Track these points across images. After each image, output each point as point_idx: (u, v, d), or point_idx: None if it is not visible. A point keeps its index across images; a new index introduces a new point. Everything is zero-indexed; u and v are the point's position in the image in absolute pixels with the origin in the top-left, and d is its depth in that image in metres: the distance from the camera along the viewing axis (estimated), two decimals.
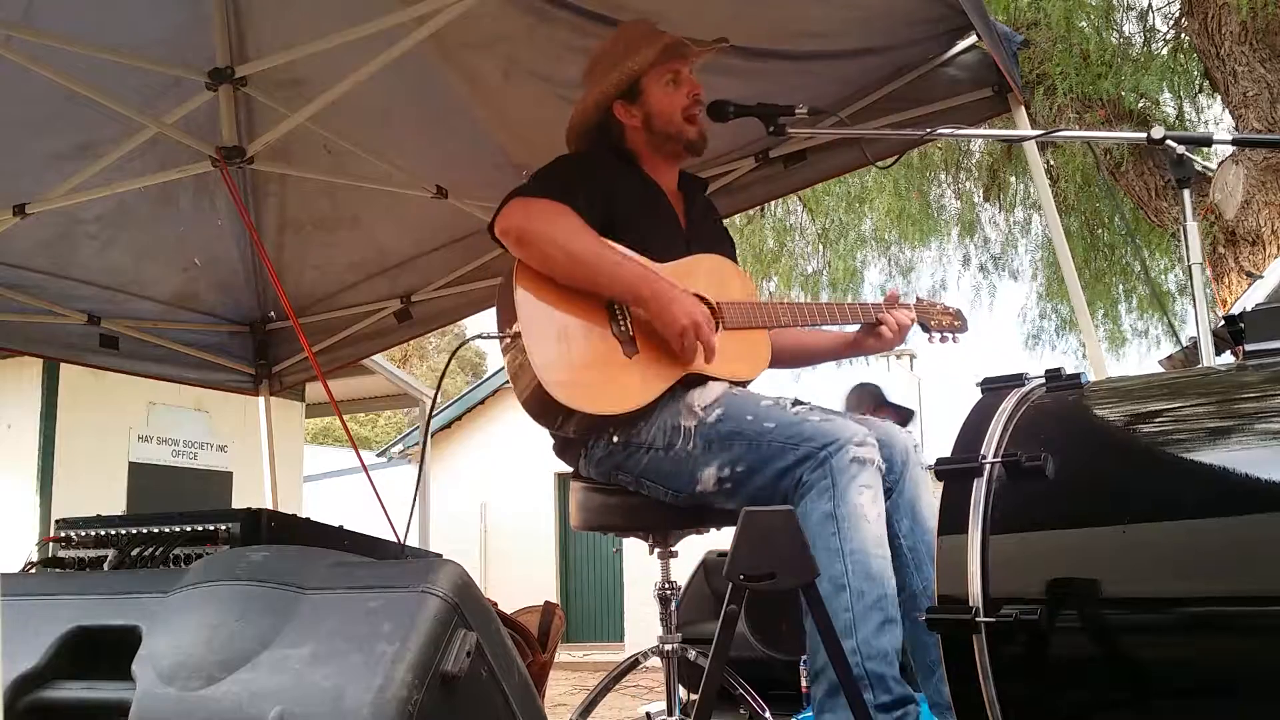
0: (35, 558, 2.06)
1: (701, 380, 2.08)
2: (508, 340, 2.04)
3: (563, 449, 2.20)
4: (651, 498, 2.10)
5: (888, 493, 2.01)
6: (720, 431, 1.99)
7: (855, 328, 2.37)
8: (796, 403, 2.02)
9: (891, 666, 1.76)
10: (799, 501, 1.88)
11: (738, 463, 1.96)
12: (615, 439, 2.08)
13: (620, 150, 2.30)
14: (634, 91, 2.25)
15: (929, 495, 2.04)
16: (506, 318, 2.06)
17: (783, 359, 2.44)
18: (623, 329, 2.06)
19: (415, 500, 2.25)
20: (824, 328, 2.41)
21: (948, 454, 1.30)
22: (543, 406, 2.00)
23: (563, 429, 2.10)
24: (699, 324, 2.03)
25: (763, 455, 1.94)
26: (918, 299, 2.43)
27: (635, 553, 9.67)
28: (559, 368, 1.98)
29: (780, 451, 1.92)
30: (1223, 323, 1.90)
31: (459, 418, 14.46)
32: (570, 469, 2.24)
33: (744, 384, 2.19)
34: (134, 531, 1.97)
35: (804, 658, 2.81)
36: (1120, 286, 8.72)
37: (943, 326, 2.43)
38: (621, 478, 2.12)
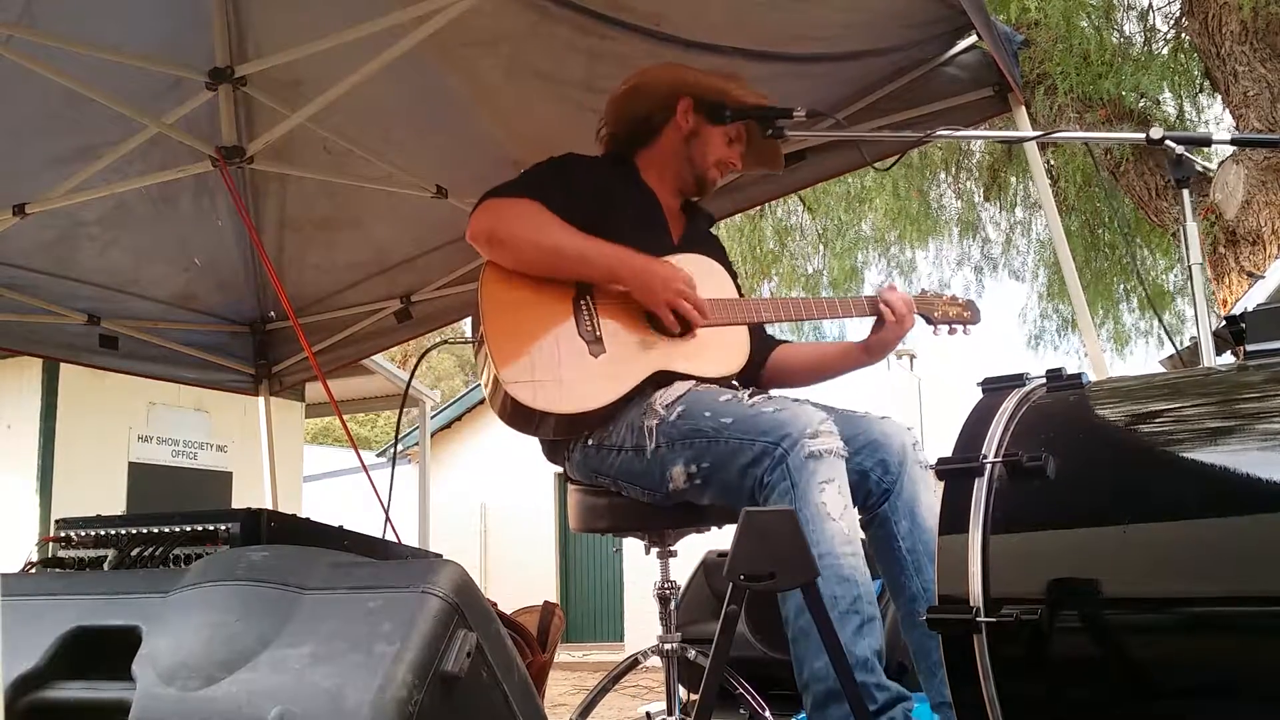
0: (35, 558, 2.06)
1: (670, 379, 2.07)
2: (476, 345, 2.04)
3: (551, 453, 2.19)
4: (633, 498, 2.08)
5: (885, 494, 2.00)
6: (681, 429, 1.97)
7: (849, 328, 2.36)
8: (754, 393, 2.00)
9: (873, 673, 1.73)
10: (763, 504, 1.85)
11: (701, 459, 1.94)
12: (589, 441, 2.07)
13: (635, 145, 2.30)
14: (710, 110, 2.24)
15: (929, 495, 2.00)
16: (475, 323, 2.06)
17: (799, 377, 2.42)
18: (589, 328, 2.06)
19: (390, 496, 2.26)
20: (807, 325, 2.40)
21: (948, 454, 1.30)
22: (511, 411, 1.99)
23: (540, 432, 2.10)
24: (683, 291, 2.03)
25: (723, 452, 1.91)
26: (922, 291, 2.40)
27: (635, 553, 9.63)
28: (521, 369, 1.97)
29: (739, 448, 1.89)
30: (1223, 323, 1.90)
31: (459, 418, 14.45)
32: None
33: (721, 380, 2.15)
34: (134, 531, 1.97)
35: None
36: (1121, 286, 8.72)
37: (949, 318, 2.37)
38: (602, 480, 2.11)
